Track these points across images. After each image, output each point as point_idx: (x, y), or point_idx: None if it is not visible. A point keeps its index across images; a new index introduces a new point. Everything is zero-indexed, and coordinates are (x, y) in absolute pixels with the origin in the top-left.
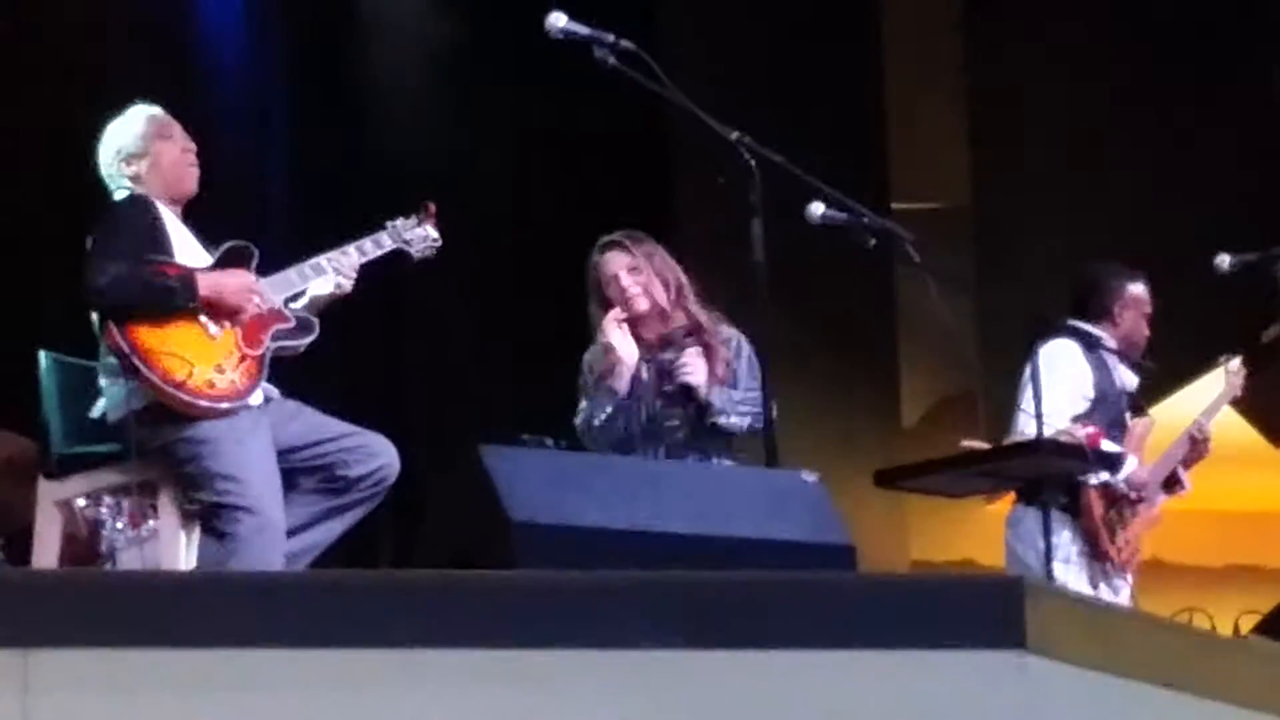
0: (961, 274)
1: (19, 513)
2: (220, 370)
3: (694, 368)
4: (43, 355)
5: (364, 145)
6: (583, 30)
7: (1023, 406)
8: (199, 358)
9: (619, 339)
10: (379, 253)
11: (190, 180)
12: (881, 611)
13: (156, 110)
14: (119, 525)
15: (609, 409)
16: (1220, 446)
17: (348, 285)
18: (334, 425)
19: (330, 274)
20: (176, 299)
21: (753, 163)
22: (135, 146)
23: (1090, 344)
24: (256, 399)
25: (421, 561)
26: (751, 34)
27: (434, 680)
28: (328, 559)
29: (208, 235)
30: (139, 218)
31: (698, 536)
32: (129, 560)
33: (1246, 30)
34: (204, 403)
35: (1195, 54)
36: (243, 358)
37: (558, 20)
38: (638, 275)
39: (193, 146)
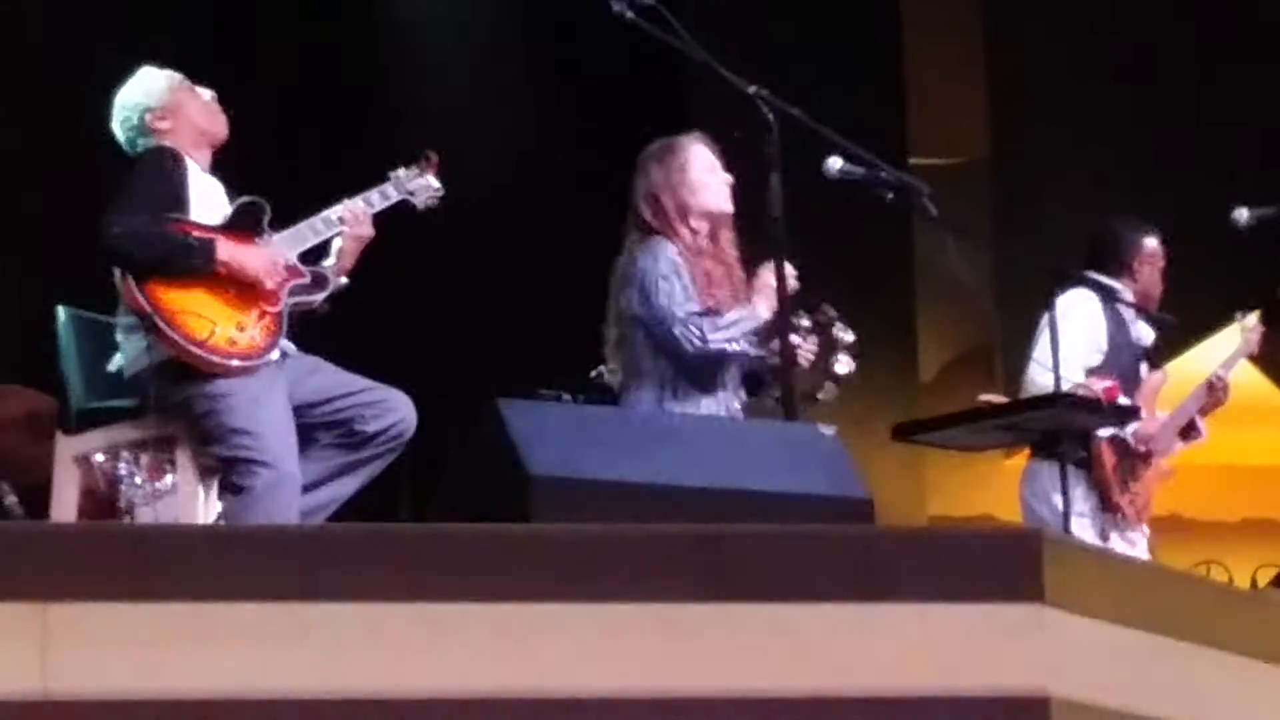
0: (979, 228)
1: (38, 468)
2: (241, 328)
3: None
4: (61, 310)
5: (382, 100)
6: None
7: (1035, 357)
8: (220, 315)
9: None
10: (385, 204)
11: (221, 124)
12: (900, 564)
13: (171, 72)
14: (137, 480)
15: (743, 342)
16: (1238, 401)
17: (366, 232)
18: (352, 380)
19: (344, 225)
20: (194, 260)
21: (770, 116)
22: (162, 100)
23: (1109, 297)
24: (274, 354)
25: (439, 516)
26: None
27: (451, 634)
28: (346, 513)
29: (231, 187)
30: (165, 171)
31: (715, 490)
32: (147, 515)
33: None
34: (232, 361)
35: (1219, 6)
36: (262, 314)
37: None
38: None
39: (212, 93)
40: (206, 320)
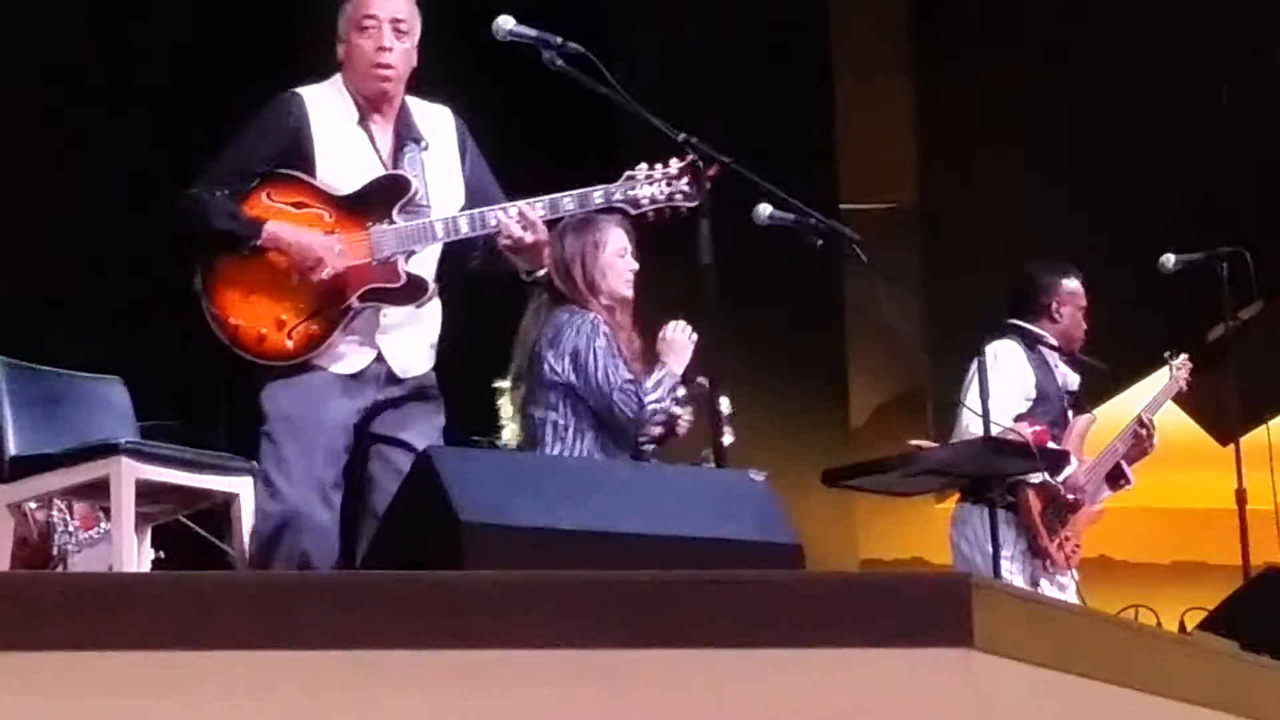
0: (909, 273)
1: None
2: (280, 325)
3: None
4: None
5: None
6: (530, 33)
7: (966, 403)
8: (257, 309)
9: None
10: (579, 210)
11: (371, 84)
12: (829, 610)
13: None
14: (70, 528)
15: (667, 400)
16: (1167, 444)
17: (528, 239)
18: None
19: (492, 226)
20: (236, 244)
21: (700, 164)
22: (341, 31)
23: (1031, 343)
24: (347, 367)
25: (371, 562)
26: (700, 35)
27: (384, 681)
28: None
29: None
30: (276, 131)
31: (646, 536)
32: (81, 563)
33: (1192, 31)
34: (251, 359)
35: (1142, 55)
36: (314, 313)
37: (505, 23)
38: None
39: (388, 47)
40: (240, 309)
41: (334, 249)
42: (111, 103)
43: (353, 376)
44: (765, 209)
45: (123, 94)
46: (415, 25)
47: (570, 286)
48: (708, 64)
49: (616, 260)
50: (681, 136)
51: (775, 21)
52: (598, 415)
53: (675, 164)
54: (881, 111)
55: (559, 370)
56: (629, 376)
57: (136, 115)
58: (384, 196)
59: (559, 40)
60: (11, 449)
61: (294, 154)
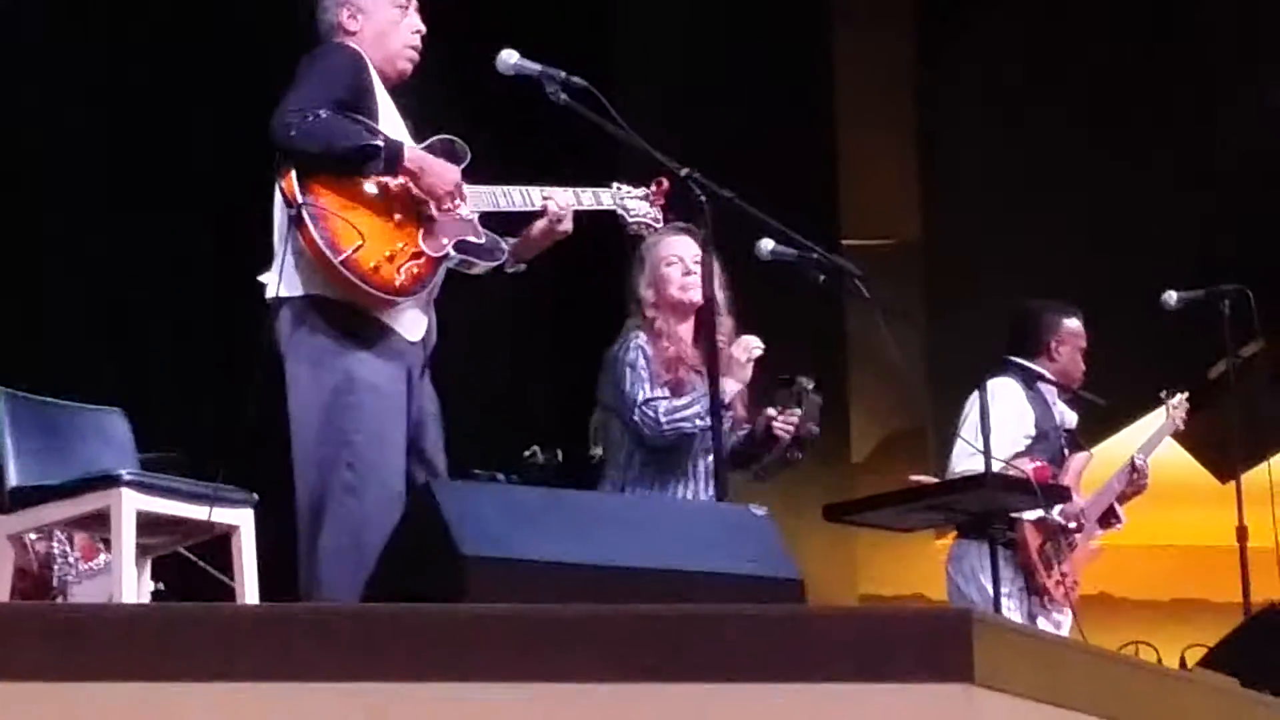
0: (911, 310)
1: None
2: (390, 259)
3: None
4: None
5: None
6: (534, 67)
7: (963, 436)
8: (375, 237)
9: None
10: (593, 207)
11: (404, 61)
12: (829, 644)
13: None
14: (70, 559)
15: (706, 419)
16: (1168, 482)
17: (562, 227)
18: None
19: (545, 205)
20: (377, 161)
21: (703, 199)
22: (359, 2)
23: (1030, 381)
24: (414, 333)
25: (372, 595)
26: (704, 71)
27: (384, 713)
28: (279, 592)
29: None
30: (352, 72)
31: (647, 570)
32: (81, 594)
33: (1193, 69)
34: (363, 285)
35: (1143, 92)
36: (417, 254)
37: (510, 57)
38: (698, 267)
39: (422, 29)
40: (359, 234)
41: (453, 173)
42: (112, 120)
43: (412, 343)
44: (767, 244)
45: (121, 106)
46: None
47: (633, 304)
48: (711, 100)
49: (664, 268)
50: (684, 171)
51: (779, 59)
52: (632, 435)
53: (644, 189)
54: (883, 148)
55: (607, 393)
56: (650, 395)
57: (138, 133)
58: (446, 158)
59: (563, 75)
60: (12, 480)
61: (361, 104)
